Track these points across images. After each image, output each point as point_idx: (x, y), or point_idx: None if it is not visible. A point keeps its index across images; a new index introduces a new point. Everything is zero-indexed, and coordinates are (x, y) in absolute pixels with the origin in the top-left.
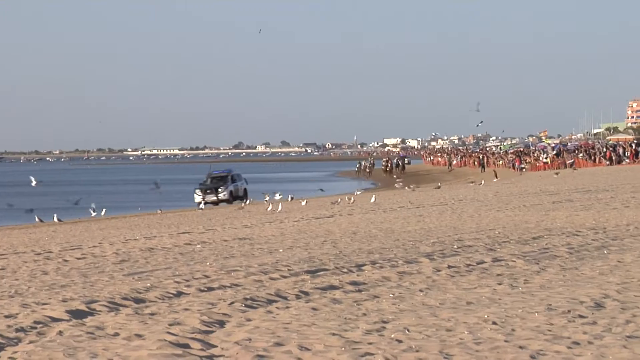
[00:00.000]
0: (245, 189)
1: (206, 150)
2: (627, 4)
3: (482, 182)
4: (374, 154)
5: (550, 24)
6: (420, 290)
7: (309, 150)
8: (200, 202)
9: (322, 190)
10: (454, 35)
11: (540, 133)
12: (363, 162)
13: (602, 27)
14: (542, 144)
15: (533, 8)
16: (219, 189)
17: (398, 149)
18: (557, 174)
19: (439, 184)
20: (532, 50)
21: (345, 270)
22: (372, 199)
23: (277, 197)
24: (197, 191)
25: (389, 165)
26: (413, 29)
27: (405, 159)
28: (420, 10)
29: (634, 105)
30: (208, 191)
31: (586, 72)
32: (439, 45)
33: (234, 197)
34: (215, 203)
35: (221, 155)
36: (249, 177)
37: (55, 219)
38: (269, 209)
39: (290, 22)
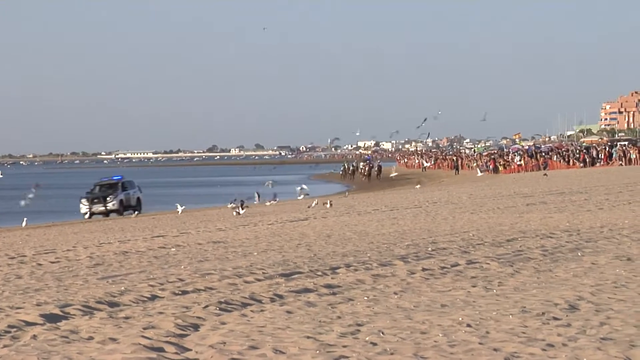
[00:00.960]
0: (138, 198)
1: (180, 154)
2: (601, 10)
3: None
4: (349, 156)
5: (524, 29)
6: (395, 293)
7: (283, 154)
8: (87, 214)
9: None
10: (428, 39)
11: (514, 135)
12: (346, 164)
13: (575, 32)
14: (516, 146)
15: (509, 13)
16: (108, 198)
17: (369, 152)
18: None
19: (418, 185)
20: (507, 53)
21: (319, 273)
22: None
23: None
24: (83, 201)
25: (368, 168)
26: (389, 34)
27: (370, 162)
28: (397, 14)
29: (608, 107)
30: (95, 200)
31: (560, 75)
32: (413, 49)
33: (124, 207)
34: (104, 214)
35: (195, 159)
36: (222, 181)
37: None
38: (241, 213)
39: (266, 25)
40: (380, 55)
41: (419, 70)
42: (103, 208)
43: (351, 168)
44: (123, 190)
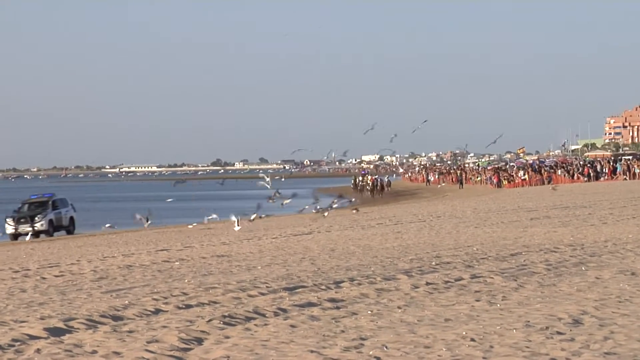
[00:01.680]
0: (72, 217)
1: (184, 167)
2: (605, 23)
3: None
4: (356, 170)
5: (528, 42)
6: (399, 307)
7: (287, 167)
8: (15, 234)
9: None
10: (433, 50)
11: (518, 150)
12: (357, 179)
13: (579, 46)
14: (520, 160)
15: (511, 25)
16: (36, 218)
17: (371, 166)
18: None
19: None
20: (510, 67)
21: (323, 287)
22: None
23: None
24: (9, 220)
25: (373, 183)
26: (392, 43)
27: (367, 177)
28: (399, 22)
29: (612, 122)
30: (22, 220)
31: (564, 89)
32: (416, 61)
33: (55, 228)
34: (34, 234)
35: (199, 172)
36: (227, 195)
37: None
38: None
39: (268, 39)
40: (384, 66)
41: (421, 83)
42: (30, 228)
43: (360, 183)
44: (54, 209)
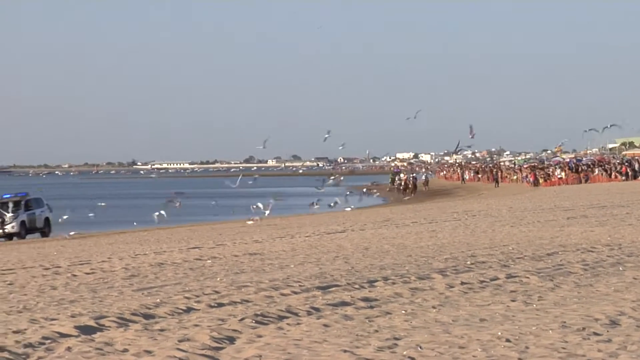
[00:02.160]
0: (47, 218)
1: (217, 165)
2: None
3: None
4: (390, 168)
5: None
6: (433, 307)
7: (320, 165)
8: None
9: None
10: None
11: (555, 148)
12: (394, 177)
13: (617, 41)
14: (557, 158)
15: (551, 22)
16: (6, 219)
17: (405, 164)
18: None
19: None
20: (547, 64)
21: (357, 286)
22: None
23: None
24: None
25: (405, 182)
26: (425, 41)
27: (401, 175)
28: (429, 19)
29: None
30: None
31: (602, 87)
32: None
33: (27, 230)
34: (8, 237)
35: (232, 169)
36: (262, 192)
37: None
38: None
39: (297, 34)
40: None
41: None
42: (0, 231)
43: (397, 181)
44: (27, 209)
